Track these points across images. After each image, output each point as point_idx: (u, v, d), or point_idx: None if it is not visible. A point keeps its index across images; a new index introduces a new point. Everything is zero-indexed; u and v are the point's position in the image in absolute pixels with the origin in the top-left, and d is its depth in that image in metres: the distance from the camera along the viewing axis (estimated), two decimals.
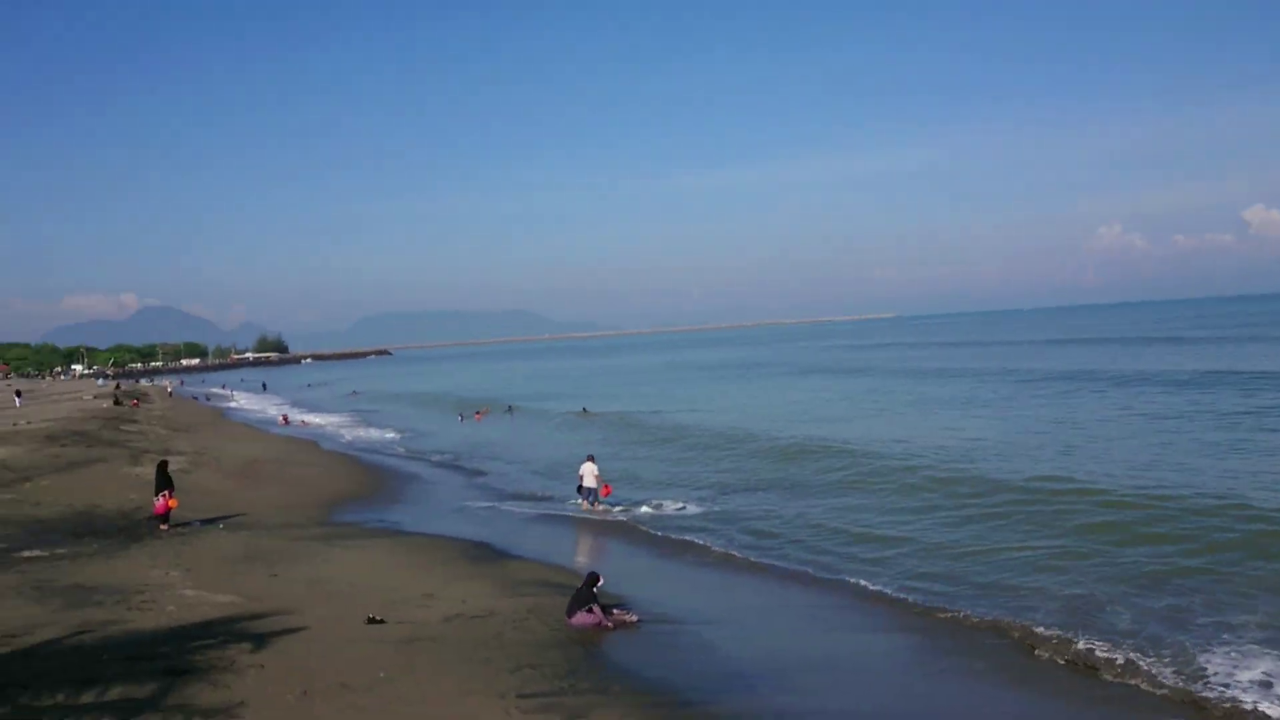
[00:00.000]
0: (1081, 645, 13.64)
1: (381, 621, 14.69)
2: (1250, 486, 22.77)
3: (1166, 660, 12.91)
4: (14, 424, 50.29)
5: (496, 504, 28.23)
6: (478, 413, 61.43)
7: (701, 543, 21.78)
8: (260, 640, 13.21)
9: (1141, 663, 12.85)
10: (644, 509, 26.02)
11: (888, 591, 17.11)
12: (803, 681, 12.83)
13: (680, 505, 26.24)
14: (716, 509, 25.65)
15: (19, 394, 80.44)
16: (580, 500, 26.95)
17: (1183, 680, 12.26)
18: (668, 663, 13.46)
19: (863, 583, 17.70)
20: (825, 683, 12.92)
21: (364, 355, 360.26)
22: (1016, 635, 14.40)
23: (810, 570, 18.97)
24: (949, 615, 15.53)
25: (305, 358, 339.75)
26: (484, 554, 21.08)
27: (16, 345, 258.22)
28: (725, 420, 47.64)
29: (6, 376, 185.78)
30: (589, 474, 26.97)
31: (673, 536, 22.69)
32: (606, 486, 27.14)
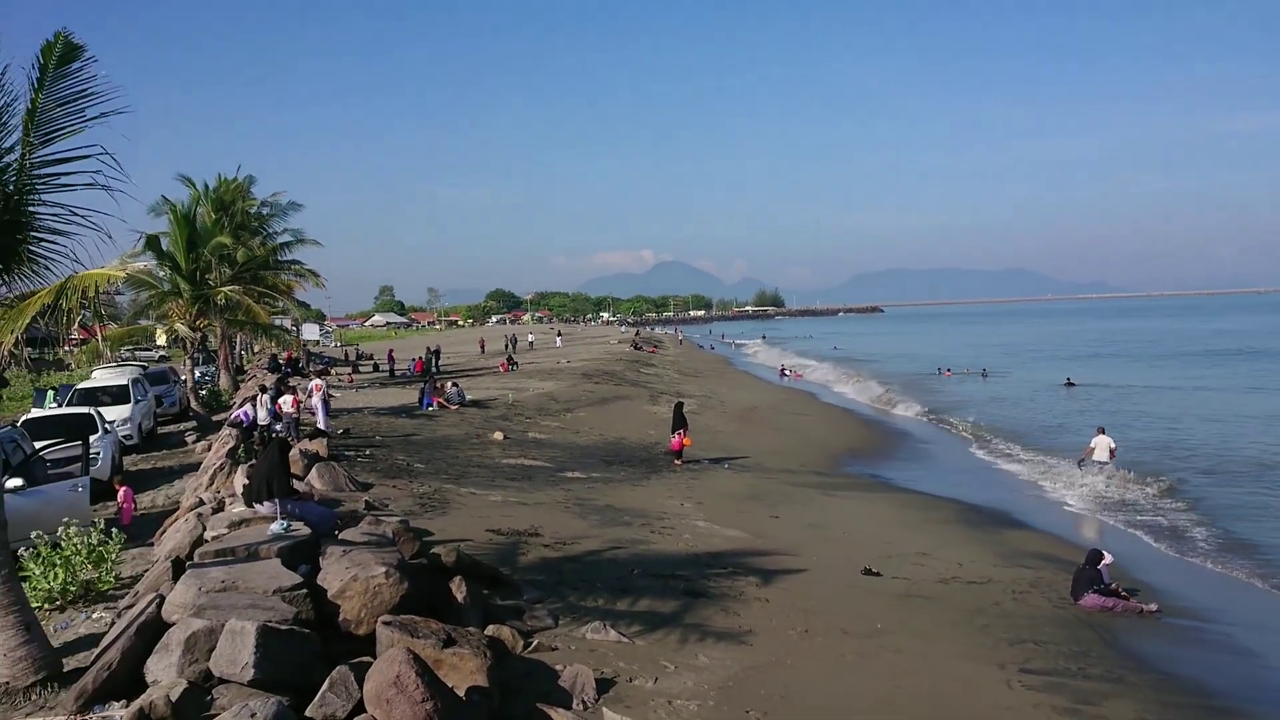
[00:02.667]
0: None
1: (878, 574, 14.90)
2: None
3: None
4: (557, 362, 58.22)
5: (992, 463, 27.21)
6: (948, 370, 61.80)
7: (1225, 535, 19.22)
8: (766, 575, 14.05)
9: None
10: (1149, 489, 23.55)
11: None
12: None
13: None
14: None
15: (559, 334, 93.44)
16: (1082, 471, 25.12)
17: None
18: (1194, 660, 12.14)
19: None
20: None
21: (859, 311, 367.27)
22: None
23: None
24: None
25: (840, 310, 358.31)
26: (981, 518, 20.48)
27: (558, 294, 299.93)
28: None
29: (550, 321, 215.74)
30: (1102, 446, 25.01)
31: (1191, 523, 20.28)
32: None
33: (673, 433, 25.80)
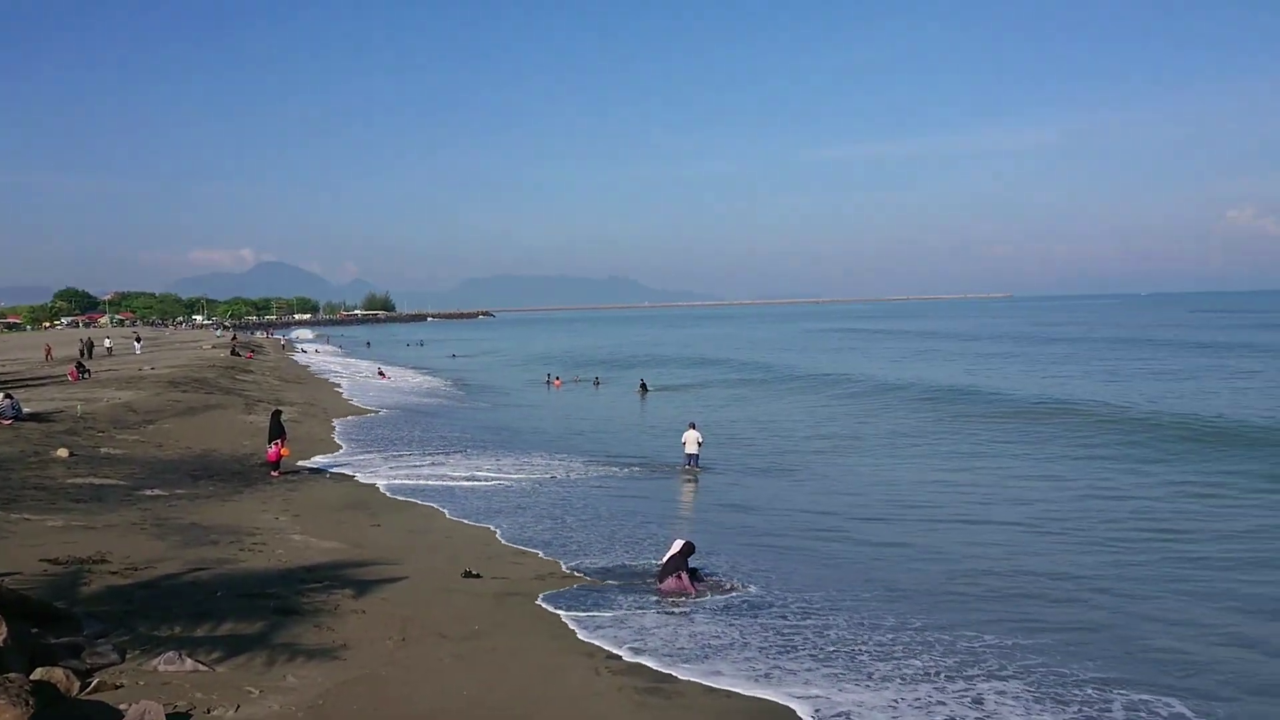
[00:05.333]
0: None
1: (478, 575, 15.09)
2: None
3: None
4: (139, 369, 52.87)
5: (597, 465, 28.53)
6: (557, 380, 61.14)
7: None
8: (363, 586, 13.73)
9: None
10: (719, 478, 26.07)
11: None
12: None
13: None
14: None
15: (138, 339, 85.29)
16: (683, 464, 27.24)
17: None
18: (762, 627, 13.45)
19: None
20: None
21: (470, 316, 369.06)
22: None
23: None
24: None
25: (429, 315, 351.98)
26: (576, 517, 21.37)
27: (143, 295, 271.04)
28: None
29: (133, 324, 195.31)
30: (691, 440, 27.24)
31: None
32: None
33: (269, 443, 24.45)
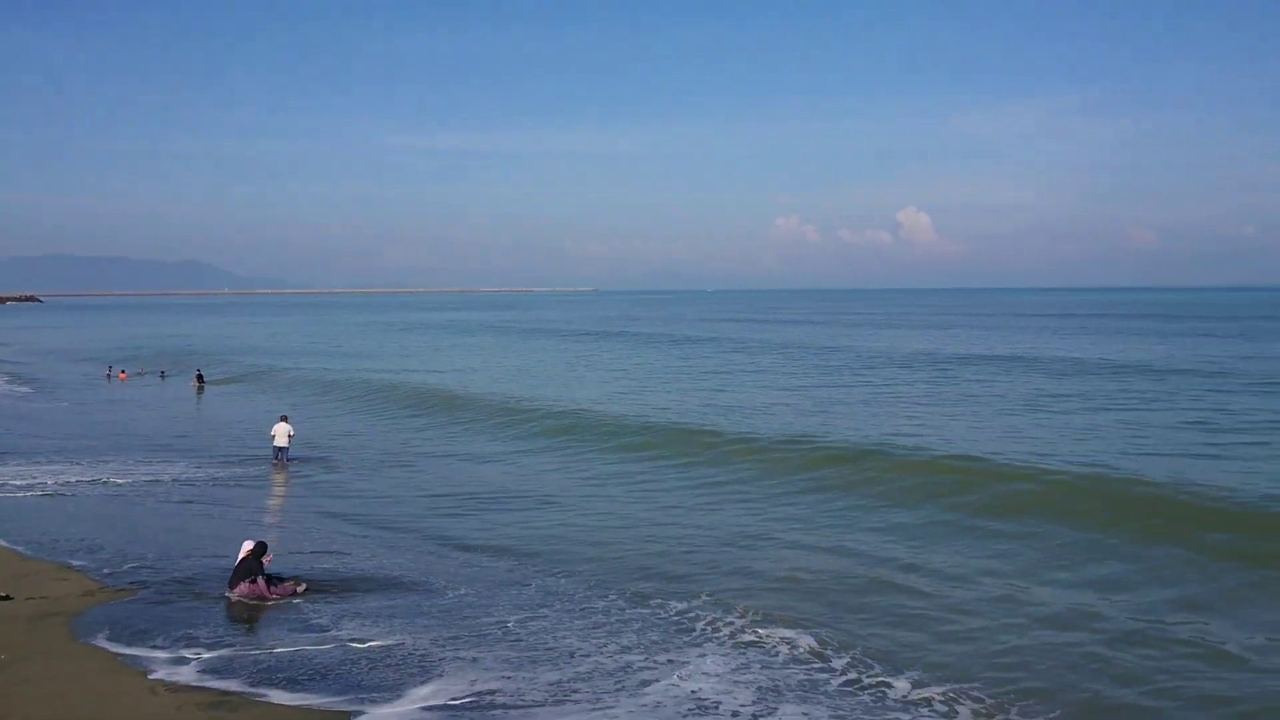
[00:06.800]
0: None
1: (9, 598, 13.25)
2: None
3: None
4: None
5: (173, 464, 26.02)
6: (122, 373, 54.72)
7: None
8: None
9: None
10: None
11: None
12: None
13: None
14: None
15: None
16: (273, 459, 26.10)
17: None
18: (314, 635, 12.88)
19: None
20: None
21: (12, 300, 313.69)
22: None
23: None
24: None
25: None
26: (134, 524, 19.39)
27: None
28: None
29: None
30: (281, 433, 26.12)
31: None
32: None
33: None
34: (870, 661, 11.54)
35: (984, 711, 10.21)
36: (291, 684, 10.68)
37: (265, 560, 14.55)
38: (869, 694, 10.65)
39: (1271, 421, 29.31)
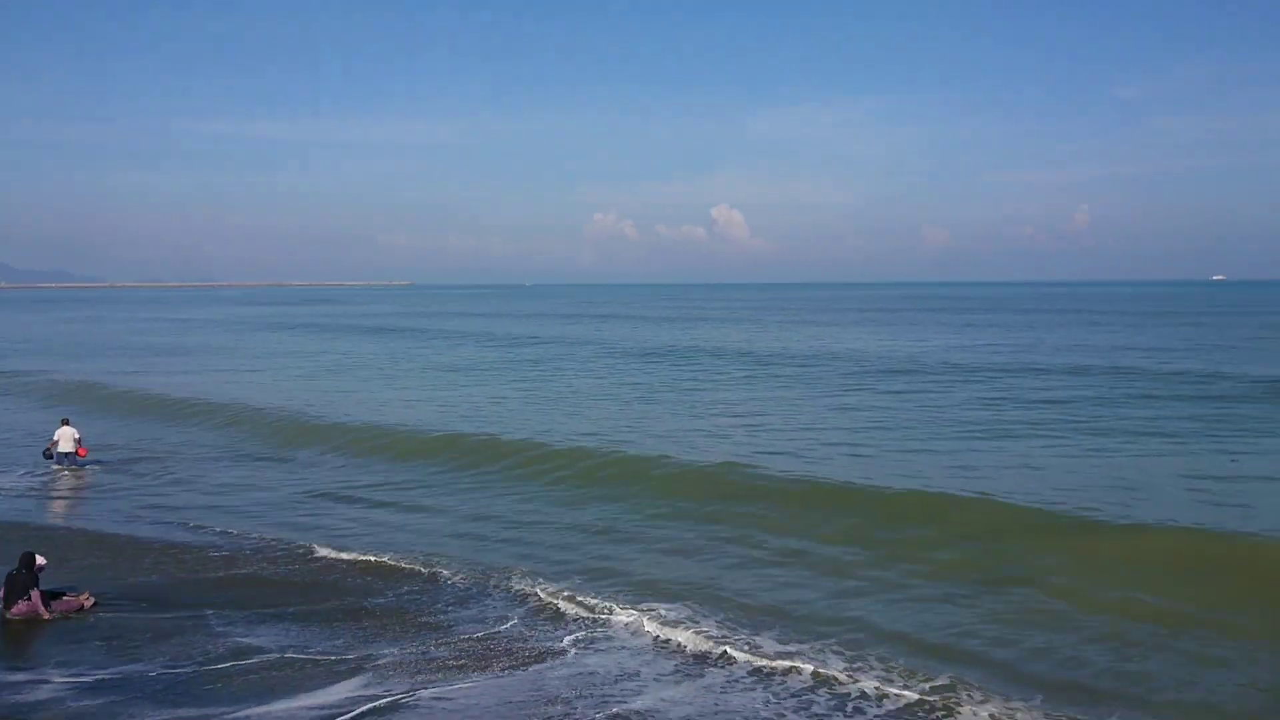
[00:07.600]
0: None
1: None
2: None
3: None
4: None
5: None
6: None
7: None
8: None
9: None
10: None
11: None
12: None
13: None
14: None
15: None
16: (55, 465, 24.28)
17: None
18: (123, 650, 12.11)
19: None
20: None
21: None
22: None
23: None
24: None
25: None
26: None
27: None
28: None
29: None
30: (66, 438, 24.32)
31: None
32: (83, 449, 24.66)
33: None
34: None
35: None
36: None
37: (37, 569, 13.43)
38: None
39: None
